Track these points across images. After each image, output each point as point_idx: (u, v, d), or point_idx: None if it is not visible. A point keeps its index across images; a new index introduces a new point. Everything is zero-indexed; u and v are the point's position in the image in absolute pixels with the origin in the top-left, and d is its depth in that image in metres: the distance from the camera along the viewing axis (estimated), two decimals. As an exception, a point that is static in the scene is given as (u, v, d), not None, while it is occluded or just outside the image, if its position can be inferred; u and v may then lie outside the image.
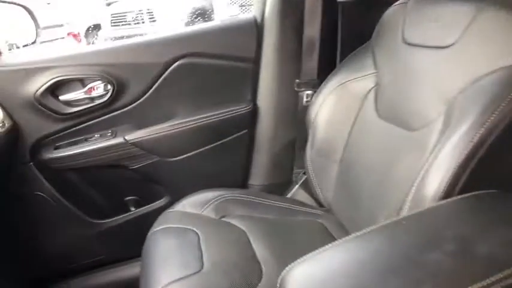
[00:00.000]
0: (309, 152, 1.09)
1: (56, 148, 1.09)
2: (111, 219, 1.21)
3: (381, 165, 0.89)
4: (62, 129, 1.10)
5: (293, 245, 0.97)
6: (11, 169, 1.06)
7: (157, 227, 1.00)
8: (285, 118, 1.21)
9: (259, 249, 0.93)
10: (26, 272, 1.21)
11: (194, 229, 0.97)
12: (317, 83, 1.13)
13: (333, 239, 1.01)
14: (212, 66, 1.14)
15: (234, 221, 1.03)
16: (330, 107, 1.03)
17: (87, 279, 1.23)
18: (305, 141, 1.12)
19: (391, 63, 0.92)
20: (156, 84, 1.11)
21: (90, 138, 1.11)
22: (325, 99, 1.03)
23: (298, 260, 0.56)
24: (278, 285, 0.54)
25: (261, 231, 1.00)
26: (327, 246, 0.56)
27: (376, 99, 0.96)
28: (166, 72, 1.11)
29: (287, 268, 0.56)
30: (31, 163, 1.09)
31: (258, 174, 1.26)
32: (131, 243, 1.22)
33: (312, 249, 0.95)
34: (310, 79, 1.17)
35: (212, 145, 1.17)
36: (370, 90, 0.97)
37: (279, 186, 1.26)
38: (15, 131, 1.03)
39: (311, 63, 1.16)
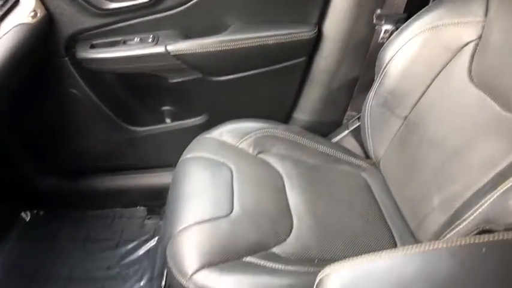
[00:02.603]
0: (371, 98, 0.94)
1: (92, 47, 0.99)
2: (145, 128, 1.17)
3: (456, 139, 0.75)
4: (99, 26, 0.98)
5: (330, 200, 0.90)
6: (44, 63, 0.99)
7: (191, 153, 0.95)
8: (353, 53, 1.03)
9: (293, 199, 0.87)
10: (58, 168, 1.23)
11: (229, 164, 0.91)
12: (402, 19, 0.92)
13: (374, 201, 0.93)
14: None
15: (271, 160, 0.95)
16: (410, 52, 0.84)
17: (118, 179, 1.25)
18: (369, 84, 0.96)
19: (510, 15, 0.70)
20: None
21: (130, 41, 1.00)
22: (406, 42, 0.84)
23: (340, 263, 0.49)
24: (315, 285, 0.48)
25: (299, 176, 0.93)
26: (378, 256, 0.48)
27: (472, 57, 0.76)
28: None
29: (327, 269, 0.49)
30: (66, 58, 1.01)
31: (306, 108, 1.14)
32: (164, 155, 1.20)
33: (351, 210, 0.90)
34: (394, 12, 0.94)
35: (263, 70, 1.03)
36: (468, 43, 0.77)
37: (326, 126, 1.15)
38: (48, 22, 0.93)
39: (399, -8, 0.93)
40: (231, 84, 1.05)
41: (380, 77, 0.92)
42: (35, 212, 1.28)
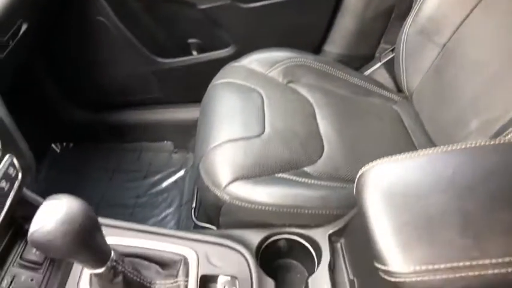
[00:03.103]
0: (408, 26, 0.90)
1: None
2: (172, 60, 1.16)
3: (497, 63, 0.72)
4: None
5: (361, 129, 0.89)
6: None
7: (221, 79, 0.94)
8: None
9: (324, 125, 0.86)
10: (88, 101, 1.24)
11: (259, 90, 0.90)
12: None
13: (405, 130, 0.92)
14: None
15: (301, 89, 0.94)
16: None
17: (145, 114, 1.26)
18: (405, 13, 0.92)
19: None
20: None
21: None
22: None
23: (383, 159, 0.48)
24: (356, 179, 0.48)
25: (329, 106, 0.91)
26: (415, 153, 0.47)
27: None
28: None
29: (371, 164, 0.48)
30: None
31: (337, 41, 1.10)
32: (190, 88, 1.19)
33: (381, 137, 0.89)
34: None
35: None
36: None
37: (357, 60, 1.11)
38: None
39: None
40: (259, 12, 1.02)
41: (419, 2, 0.88)
42: (65, 144, 1.32)
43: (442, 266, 0.36)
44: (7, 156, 0.57)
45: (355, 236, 0.60)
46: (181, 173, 1.21)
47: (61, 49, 1.11)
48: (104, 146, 1.29)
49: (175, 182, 1.19)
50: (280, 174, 0.73)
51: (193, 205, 0.99)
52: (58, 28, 1.05)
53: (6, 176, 0.56)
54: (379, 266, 0.40)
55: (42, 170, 1.27)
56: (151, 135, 1.29)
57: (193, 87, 1.18)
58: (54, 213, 0.43)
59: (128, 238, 0.63)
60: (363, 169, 0.48)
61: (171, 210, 1.12)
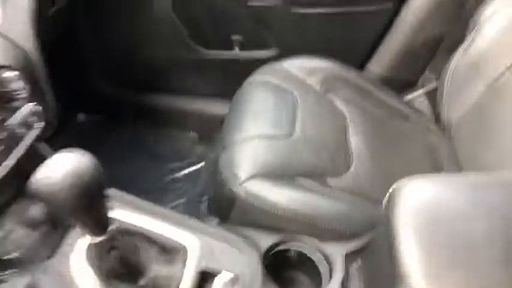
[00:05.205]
0: (457, 58, 0.86)
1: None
2: (213, 51, 1.15)
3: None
4: None
5: (392, 152, 0.85)
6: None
7: (258, 76, 0.92)
8: (446, 7, 0.95)
9: (355, 141, 0.83)
10: (123, 78, 1.25)
11: (295, 93, 0.88)
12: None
13: (438, 162, 0.87)
14: None
15: (337, 102, 0.91)
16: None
17: (174, 100, 1.26)
18: (456, 44, 0.88)
19: None
20: None
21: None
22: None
23: (419, 176, 0.45)
24: (387, 195, 0.45)
25: (363, 123, 0.88)
26: (455, 175, 0.43)
27: None
28: None
29: (405, 179, 0.45)
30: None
31: (382, 61, 1.07)
32: (225, 83, 1.18)
33: (412, 164, 0.85)
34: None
35: (346, 8, 0.98)
36: None
37: (399, 83, 1.08)
38: None
39: None
40: (309, 19, 1.01)
41: (473, 35, 0.84)
42: (91, 116, 1.33)
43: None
44: (32, 104, 0.57)
45: (376, 258, 0.56)
46: (200, 165, 1.19)
47: (107, 22, 1.12)
48: (129, 124, 1.29)
49: (193, 173, 1.17)
50: (302, 180, 0.70)
51: (206, 197, 0.97)
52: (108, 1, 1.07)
53: (26, 123, 0.56)
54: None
55: (62, 134, 1.27)
56: (178, 122, 1.28)
57: (229, 82, 1.17)
58: (63, 165, 0.42)
59: (134, 214, 0.61)
60: (396, 185, 0.45)
61: (182, 200, 1.10)
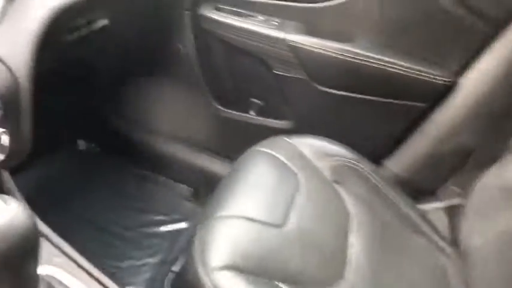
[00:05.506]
0: (490, 176, 0.77)
1: (217, 9, 0.97)
2: (227, 110, 1.10)
3: None
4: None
5: (395, 268, 0.73)
6: (165, 11, 0.98)
7: (264, 147, 0.85)
8: (483, 119, 0.87)
9: (354, 247, 0.72)
10: (128, 111, 1.21)
11: (299, 176, 0.79)
12: None
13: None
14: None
15: (345, 195, 0.82)
16: None
17: (174, 147, 1.20)
18: (486, 160, 0.80)
19: None
20: None
21: (253, 17, 0.95)
22: None
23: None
24: None
25: (368, 227, 0.77)
26: None
27: None
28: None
29: None
30: (188, 11, 0.99)
31: (402, 161, 0.98)
32: (232, 144, 1.12)
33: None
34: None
35: (374, 98, 0.92)
36: None
37: (416, 190, 0.97)
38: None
39: None
40: (332, 99, 0.95)
41: (506, 157, 0.76)
42: (92, 145, 1.27)
43: None
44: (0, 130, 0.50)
45: None
46: (183, 225, 1.09)
47: (127, 58, 1.10)
48: (123, 160, 1.22)
49: (174, 232, 1.07)
50: (282, 285, 0.59)
51: (174, 269, 0.86)
52: (138, 43, 1.05)
53: None
54: None
55: (58, 157, 1.21)
56: (173, 172, 1.20)
57: (236, 144, 1.11)
58: None
59: (71, 277, 0.51)
60: None
61: (153, 260, 0.98)
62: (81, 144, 1.28)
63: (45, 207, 1.04)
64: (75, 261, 0.54)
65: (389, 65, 0.88)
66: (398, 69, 0.88)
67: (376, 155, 0.99)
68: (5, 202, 0.37)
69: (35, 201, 1.04)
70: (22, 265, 0.37)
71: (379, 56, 0.88)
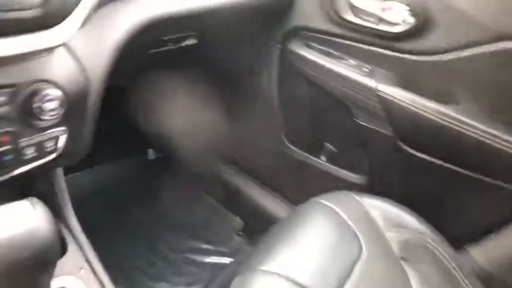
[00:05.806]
0: None
1: (308, 46, 0.93)
2: (299, 150, 1.05)
3: None
4: (325, 31, 0.91)
5: None
6: (259, 44, 0.97)
7: (329, 201, 0.76)
8: None
9: None
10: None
11: (362, 243, 0.69)
12: None
13: None
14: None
15: (412, 277, 0.69)
16: None
17: (243, 182, 1.15)
18: None
19: None
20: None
21: (343, 59, 0.90)
22: None
23: None
24: None
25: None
26: None
27: None
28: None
29: None
30: (278, 45, 0.97)
31: (490, 252, 0.82)
32: (296, 187, 1.07)
33: None
34: None
35: (471, 173, 0.79)
36: None
37: (501, 287, 0.81)
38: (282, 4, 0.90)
39: None
40: (419, 164, 0.84)
41: None
42: (160, 156, 1.29)
43: None
44: (58, 128, 0.50)
45: None
46: (226, 260, 1.03)
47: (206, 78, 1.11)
48: (188, 181, 1.21)
49: (215, 264, 1.01)
50: None
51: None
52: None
53: (40, 145, 0.48)
54: None
55: (128, 165, 1.25)
56: (228, 201, 1.16)
57: (298, 187, 1.05)
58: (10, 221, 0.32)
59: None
60: None
61: (187, 289, 0.94)
62: (151, 154, 1.31)
63: (101, 211, 1.07)
64: (98, 278, 0.51)
65: (493, 138, 0.75)
66: (502, 144, 0.75)
67: (459, 238, 0.85)
68: (33, 206, 0.35)
69: (91, 204, 1.08)
70: (38, 275, 0.35)
71: (485, 128, 0.75)
